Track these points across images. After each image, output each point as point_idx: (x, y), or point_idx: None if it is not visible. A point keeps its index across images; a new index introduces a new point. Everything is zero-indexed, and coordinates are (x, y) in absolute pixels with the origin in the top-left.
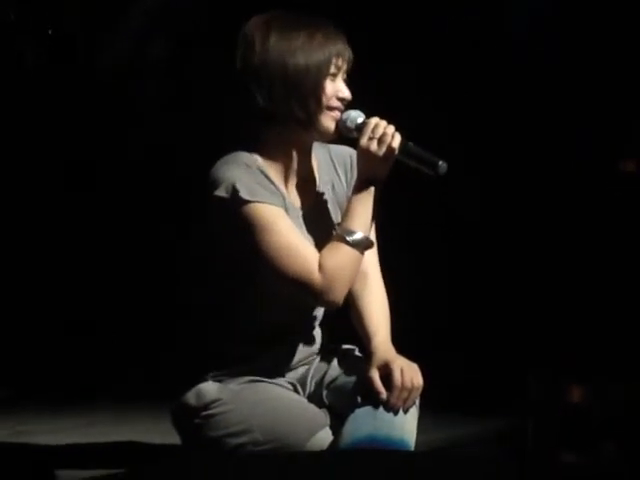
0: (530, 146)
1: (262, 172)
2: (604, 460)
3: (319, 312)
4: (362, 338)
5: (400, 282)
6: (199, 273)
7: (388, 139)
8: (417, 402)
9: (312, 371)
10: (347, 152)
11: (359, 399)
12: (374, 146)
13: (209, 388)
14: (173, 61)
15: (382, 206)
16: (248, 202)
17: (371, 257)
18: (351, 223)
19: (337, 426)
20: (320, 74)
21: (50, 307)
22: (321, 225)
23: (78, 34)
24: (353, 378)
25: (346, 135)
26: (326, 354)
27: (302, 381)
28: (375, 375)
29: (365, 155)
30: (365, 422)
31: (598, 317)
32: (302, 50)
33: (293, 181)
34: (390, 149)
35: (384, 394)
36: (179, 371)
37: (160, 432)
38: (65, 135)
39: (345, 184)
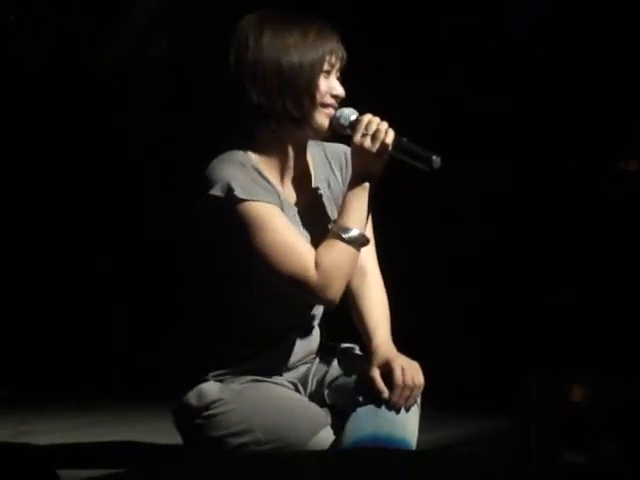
0: (530, 145)
1: (257, 170)
2: (604, 459)
3: (318, 311)
4: (362, 336)
5: (399, 281)
6: (198, 273)
7: (381, 135)
8: (418, 401)
9: (313, 370)
10: (342, 149)
11: (360, 398)
12: (368, 142)
13: (210, 388)
14: (173, 61)
15: (377, 202)
16: (243, 201)
17: (369, 254)
18: (346, 220)
19: (339, 425)
20: (314, 72)
21: (50, 307)
22: (317, 222)
23: (78, 34)
24: (354, 377)
25: (340, 133)
26: (326, 353)
27: (303, 380)
28: (376, 374)
29: (359, 152)
30: (367, 421)
31: (598, 316)
32: (296, 48)
33: (288, 179)
34: (384, 145)
35: (386, 393)
36: (179, 371)
37: (161, 432)
38: (65, 135)
39: (341, 181)
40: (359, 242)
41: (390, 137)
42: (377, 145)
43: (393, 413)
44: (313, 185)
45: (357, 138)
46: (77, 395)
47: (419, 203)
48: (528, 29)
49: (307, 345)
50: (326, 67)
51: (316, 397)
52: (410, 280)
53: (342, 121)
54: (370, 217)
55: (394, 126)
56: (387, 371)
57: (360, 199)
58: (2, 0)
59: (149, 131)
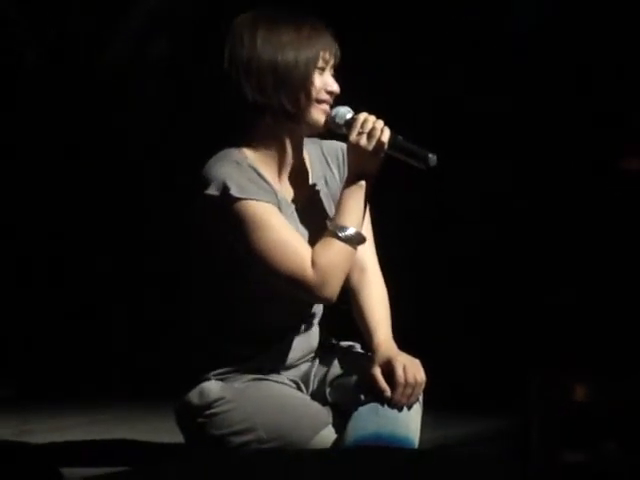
0: (529, 145)
1: (253, 168)
2: (605, 459)
3: (318, 310)
4: (363, 334)
5: (399, 281)
6: (198, 273)
7: (377, 133)
8: (420, 398)
9: (315, 369)
10: (339, 146)
11: (362, 396)
12: (364, 141)
13: (212, 387)
14: (173, 61)
15: (377, 202)
16: (239, 199)
17: (369, 252)
18: (343, 219)
19: (341, 424)
20: (309, 68)
21: (50, 307)
22: (316, 220)
23: (78, 34)
24: (356, 375)
25: (336, 131)
26: (327, 351)
27: (305, 379)
28: (378, 372)
29: (355, 150)
30: (369, 420)
31: (599, 316)
32: (291, 45)
33: (285, 176)
34: (380, 143)
35: (388, 391)
36: (179, 370)
37: (161, 431)
38: (65, 135)
39: (338, 178)
40: (356, 240)
41: (386, 135)
42: (373, 143)
43: (395, 411)
44: (310, 182)
45: (353, 137)
46: (78, 395)
47: (419, 203)
48: (528, 29)
49: (307, 344)
50: (320, 64)
51: (318, 396)
52: (410, 280)
53: (338, 120)
54: (368, 214)
55: (394, 126)
56: (389, 369)
57: (356, 197)
58: (2, 0)
59: (149, 131)
